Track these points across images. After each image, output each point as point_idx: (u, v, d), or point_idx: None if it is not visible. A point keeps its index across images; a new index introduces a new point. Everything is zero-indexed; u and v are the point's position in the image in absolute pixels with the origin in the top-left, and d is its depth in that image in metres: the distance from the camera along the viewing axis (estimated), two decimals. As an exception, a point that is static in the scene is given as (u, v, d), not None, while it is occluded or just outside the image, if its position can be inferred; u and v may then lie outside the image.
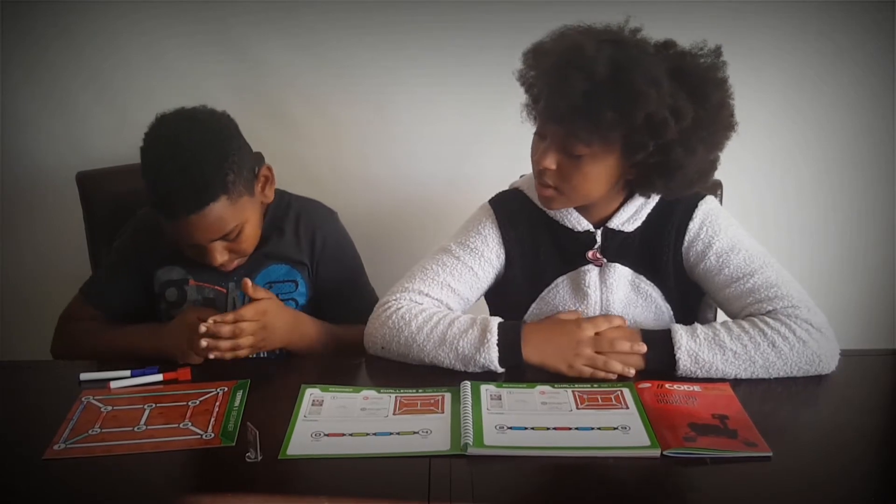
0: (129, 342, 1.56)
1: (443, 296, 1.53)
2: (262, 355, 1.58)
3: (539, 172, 1.47)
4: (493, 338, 1.41)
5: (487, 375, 1.41)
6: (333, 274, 1.71)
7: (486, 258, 1.56)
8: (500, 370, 1.42)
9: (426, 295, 1.52)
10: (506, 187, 1.70)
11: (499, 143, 2.10)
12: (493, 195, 1.65)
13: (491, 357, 1.40)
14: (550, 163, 1.43)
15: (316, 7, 2.05)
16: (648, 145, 1.37)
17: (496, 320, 1.44)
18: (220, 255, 1.55)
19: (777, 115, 2.14)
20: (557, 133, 1.41)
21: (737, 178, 1.89)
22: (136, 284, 1.67)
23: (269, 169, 1.63)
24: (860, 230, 2.26)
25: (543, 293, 1.57)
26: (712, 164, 1.47)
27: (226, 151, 1.51)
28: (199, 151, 1.48)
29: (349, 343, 1.58)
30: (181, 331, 1.49)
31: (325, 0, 2.04)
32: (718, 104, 1.40)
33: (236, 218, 1.53)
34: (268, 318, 1.51)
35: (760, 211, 2.20)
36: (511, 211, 1.59)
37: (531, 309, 1.58)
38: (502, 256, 1.58)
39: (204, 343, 1.45)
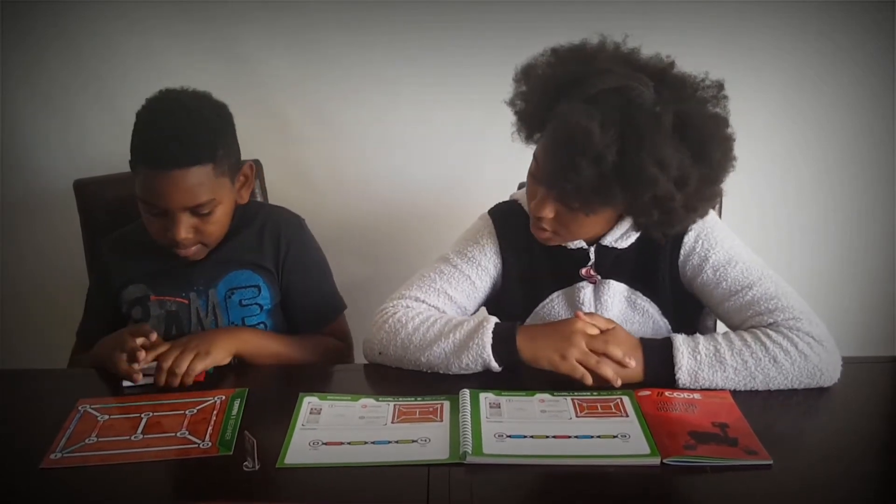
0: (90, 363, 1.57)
1: (440, 303, 1.53)
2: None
3: (536, 218, 1.46)
4: (490, 325, 1.41)
5: (486, 380, 1.41)
6: (297, 278, 1.70)
7: (483, 267, 1.56)
8: (495, 364, 1.40)
9: (423, 302, 1.52)
10: (504, 190, 1.70)
11: (498, 145, 2.07)
12: (491, 201, 1.65)
13: (484, 342, 1.40)
14: (548, 213, 1.42)
15: (313, 7, 2.04)
16: (653, 214, 1.38)
17: (493, 318, 1.44)
18: (185, 230, 1.53)
19: (777, 115, 2.13)
20: (557, 194, 1.40)
21: (736, 178, 1.87)
22: (110, 314, 1.68)
23: (251, 168, 1.64)
24: (860, 230, 2.25)
25: (538, 308, 1.57)
26: (713, 204, 1.47)
27: (221, 127, 1.57)
28: (197, 116, 1.52)
29: (307, 353, 1.62)
30: (110, 347, 1.50)
31: (323, 0, 2.03)
32: (720, 160, 1.38)
33: (212, 192, 1.53)
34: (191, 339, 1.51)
35: (760, 211, 2.19)
36: (509, 223, 1.59)
37: (526, 323, 1.56)
38: (499, 267, 1.58)
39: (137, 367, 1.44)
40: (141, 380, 1.43)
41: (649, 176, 1.30)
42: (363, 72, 2.09)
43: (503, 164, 1.88)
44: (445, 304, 1.53)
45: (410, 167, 2.17)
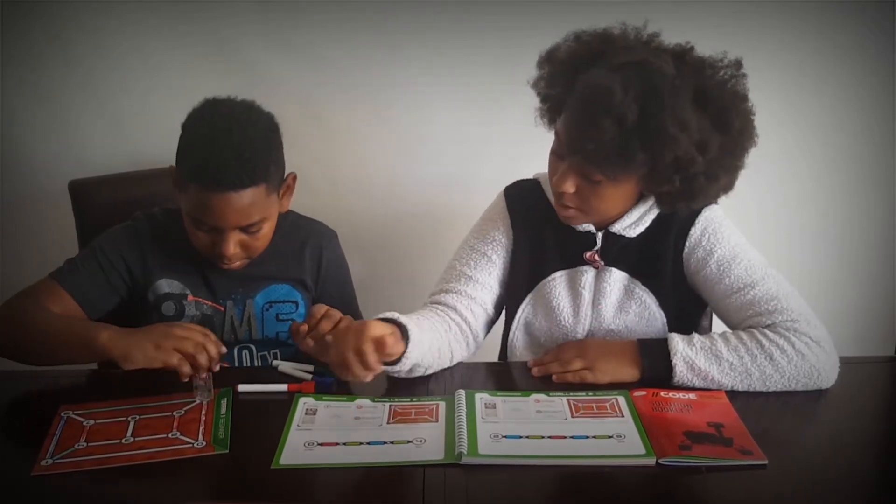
0: (83, 333, 1.39)
1: (461, 287, 1.56)
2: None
3: (558, 194, 1.47)
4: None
5: (482, 381, 1.41)
6: (333, 295, 1.68)
7: (497, 241, 1.59)
8: None
9: (450, 292, 1.55)
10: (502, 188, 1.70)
11: (496, 145, 2.09)
12: (489, 201, 1.65)
13: None
14: (570, 187, 1.43)
15: (310, 8, 2.03)
16: (674, 180, 1.39)
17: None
18: (234, 245, 1.50)
19: (777, 115, 2.12)
20: (579, 161, 1.40)
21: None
22: (120, 288, 1.59)
23: (294, 178, 1.61)
24: (860, 231, 2.25)
25: (540, 284, 1.58)
26: (734, 178, 1.47)
27: (274, 143, 1.53)
28: (252, 134, 1.47)
29: None
30: (158, 335, 1.37)
31: (319, 1, 2.03)
32: (741, 129, 1.39)
33: (264, 211, 1.50)
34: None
35: (759, 211, 2.19)
36: (522, 197, 1.61)
37: (527, 298, 1.58)
38: (511, 237, 1.59)
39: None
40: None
41: (670, 135, 1.32)
42: (360, 72, 2.08)
43: (502, 164, 1.88)
44: (468, 285, 1.56)
45: (408, 167, 2.17)
